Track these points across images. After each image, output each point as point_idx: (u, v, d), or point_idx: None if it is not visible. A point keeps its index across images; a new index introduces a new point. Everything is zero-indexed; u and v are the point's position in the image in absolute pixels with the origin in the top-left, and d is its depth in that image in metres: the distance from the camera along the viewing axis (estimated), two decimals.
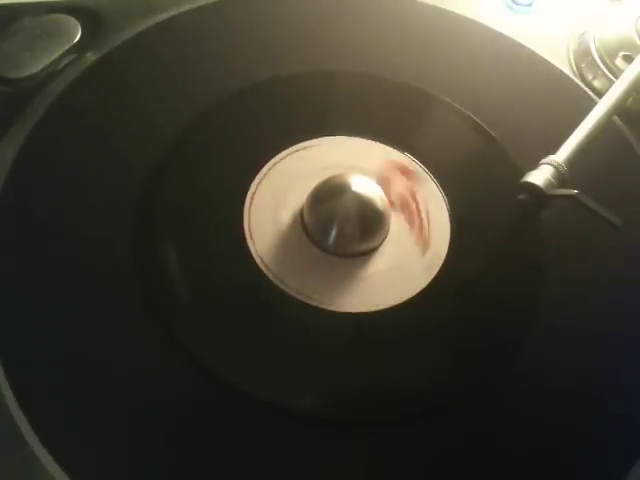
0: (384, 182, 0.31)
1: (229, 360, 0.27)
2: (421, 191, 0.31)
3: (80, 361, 0.27)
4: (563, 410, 0.28)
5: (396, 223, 0.31)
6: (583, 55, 0.38)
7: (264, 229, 0.30)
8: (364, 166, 0.32)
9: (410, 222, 0.31)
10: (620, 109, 0.33)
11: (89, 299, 0.28)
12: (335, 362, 0.28)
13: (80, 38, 0.34)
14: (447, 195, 0.32)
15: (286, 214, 0.31)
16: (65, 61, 0.34)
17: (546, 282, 0.30)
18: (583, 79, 0.37)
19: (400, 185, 0.32)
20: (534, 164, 0.31)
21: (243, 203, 0.30)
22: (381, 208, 0.30)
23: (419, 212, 0.31)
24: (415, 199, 0.31)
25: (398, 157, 0.32)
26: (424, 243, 0.30)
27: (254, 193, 0.31)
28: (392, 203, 0.31)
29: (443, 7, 0.38)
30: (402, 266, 0.30)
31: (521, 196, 0.30)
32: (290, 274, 0.29)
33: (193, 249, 0.30)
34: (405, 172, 0.32)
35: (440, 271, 0.30)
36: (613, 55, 0.37)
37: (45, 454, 0.24)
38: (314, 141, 0.33)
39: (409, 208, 0.31)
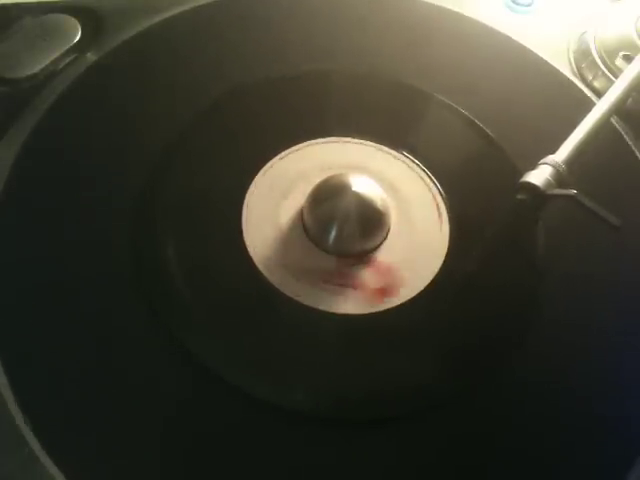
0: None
1: (228, 360, 0.27)
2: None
3: (80, 361, 0.27)
4: (563, 409, 0.28)
5: (396, 223, 0.31)
6: (583, 55, 0.37)
7: (263, 229, 0.30)
8: (364, 166, 0.32)
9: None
10: (620, 109, 0.33)
11: (88, 299, 0.28)
12: (335, 362, 0.28)
13: (80, 38, 0.34)
14: (446, 195, 0.32)
15: (286, 214, 0.31)
16: (65, 61, 0.34)
17: (545, 282, 0.30)
18: (583, 79, 0.37)
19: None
20: (533, 164, 0.31)
21: (242, 203, 0.30)
22: (381, 208, 0.30)
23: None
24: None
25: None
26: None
27: (253, 193, 0.31)
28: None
29: (443, 6, 0.38)
30: (401, 266, 0.30)
31: (520, 196, 0.30)
32: (290, 274, 0.29)
33: (192, 249, 0.30)
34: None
35: (440, 271, 0.30)
36: (613, 55, 0.37)
37: (45, 454, 0.24)
38: (314, 141, 0.33)
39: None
